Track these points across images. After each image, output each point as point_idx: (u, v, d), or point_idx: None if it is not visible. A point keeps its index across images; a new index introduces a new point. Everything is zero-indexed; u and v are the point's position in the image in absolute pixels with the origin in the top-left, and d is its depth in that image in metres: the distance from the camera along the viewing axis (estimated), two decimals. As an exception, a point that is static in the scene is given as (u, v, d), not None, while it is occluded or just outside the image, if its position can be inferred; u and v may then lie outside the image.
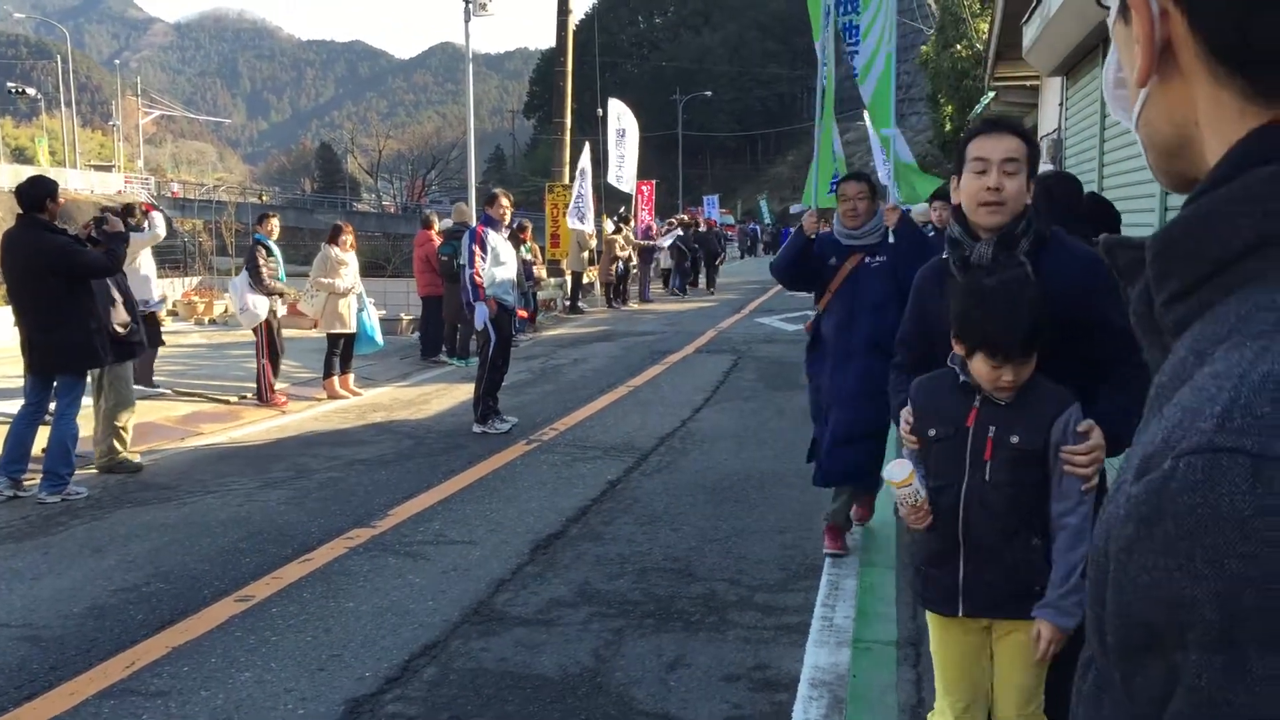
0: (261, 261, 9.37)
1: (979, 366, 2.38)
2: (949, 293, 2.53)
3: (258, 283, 9.32)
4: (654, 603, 4.57)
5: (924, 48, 25.35)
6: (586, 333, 15.81)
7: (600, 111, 32.02)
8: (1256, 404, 0.55)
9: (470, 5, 18.68)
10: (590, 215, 18.62)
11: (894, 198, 5.40)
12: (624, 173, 20.04)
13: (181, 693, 3.69)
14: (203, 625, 4.32)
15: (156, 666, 3.91)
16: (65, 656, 4.01)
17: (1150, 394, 0.68)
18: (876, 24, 5.45)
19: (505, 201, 8.53)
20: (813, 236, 5.06)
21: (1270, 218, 0.62)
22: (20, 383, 7.13)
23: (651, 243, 22.12)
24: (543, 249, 18.49)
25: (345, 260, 9.98)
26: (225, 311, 16.89)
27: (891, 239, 4.95)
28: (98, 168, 67.13)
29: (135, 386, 7.45)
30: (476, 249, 8.10)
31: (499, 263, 8.23)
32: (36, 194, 6.36)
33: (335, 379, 9.97)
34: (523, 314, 9.75)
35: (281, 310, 9.71)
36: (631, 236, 20.88)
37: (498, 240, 8.29)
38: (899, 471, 2.45)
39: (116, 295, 6.81)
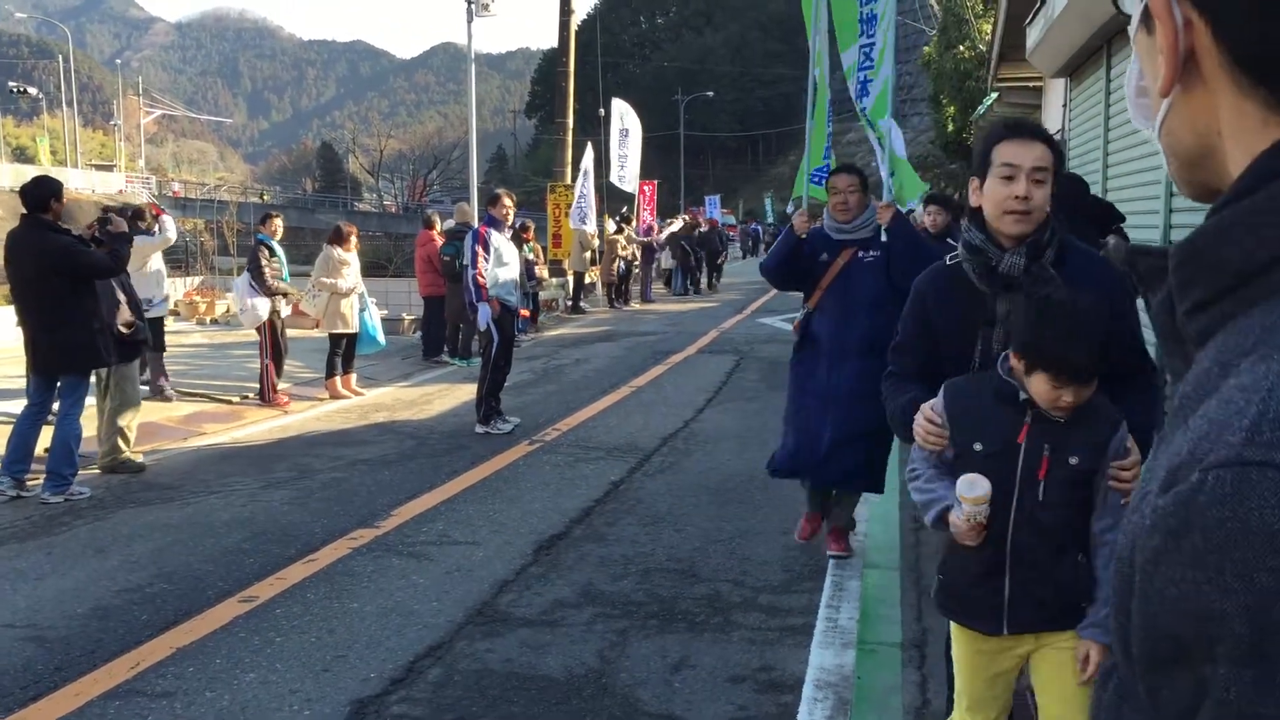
0: (264, 262, 9.37)
1: (1039, 386, 2.28)
2: (1013, 307, 2.37)
3: (260, 283, 9.32)
4: (658, 604, 4.57)
5: (926, 49, 25.36)
6: (588, 333, 15.81)
7: (602, 111, 31.98)
8: None
9: (473, 5, 18.67)
10: (592, 215, 18.62)
11: (887, 194, 5.16)
12: (626, 172, 20.05)
13: (187, 693, 3.69)
14: (207, 626, 4.32)
15: (161, 667, 3.91)
16: (70, 657, 4.01)
17: (1173, 404, 0.68)
18: (887, 13, 5.33)
19: (508, 202, 8.53)
20: (803, 236, 4.87)
21: None
22: (23, 383, 7.14)
23: (651, 239, 22.12)
24: (545, 249, 18.48)
25: (347, 260, 9.98)
26: (227, 311, 16.89)
27: (884, 237, 4.78)
28: (99, 167, 67.17)
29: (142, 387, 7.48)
30: (480, 249, 8.10)
31: (502, 263, 8.23)
32: (41, 194, 6.36)
33: (337, 379, 9.98)
34: (524, 314, 9.74)
35: (286, 310, 9.71)
36: (634, 235, 20.89)
37: (501, 241, 8.29)
38: (977, 488, 2.30)
39: (121, 296, 6.82)
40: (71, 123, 70.05)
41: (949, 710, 3.09)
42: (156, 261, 9.46)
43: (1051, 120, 12.25)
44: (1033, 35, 9.41)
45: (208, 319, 16.66)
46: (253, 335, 9.92)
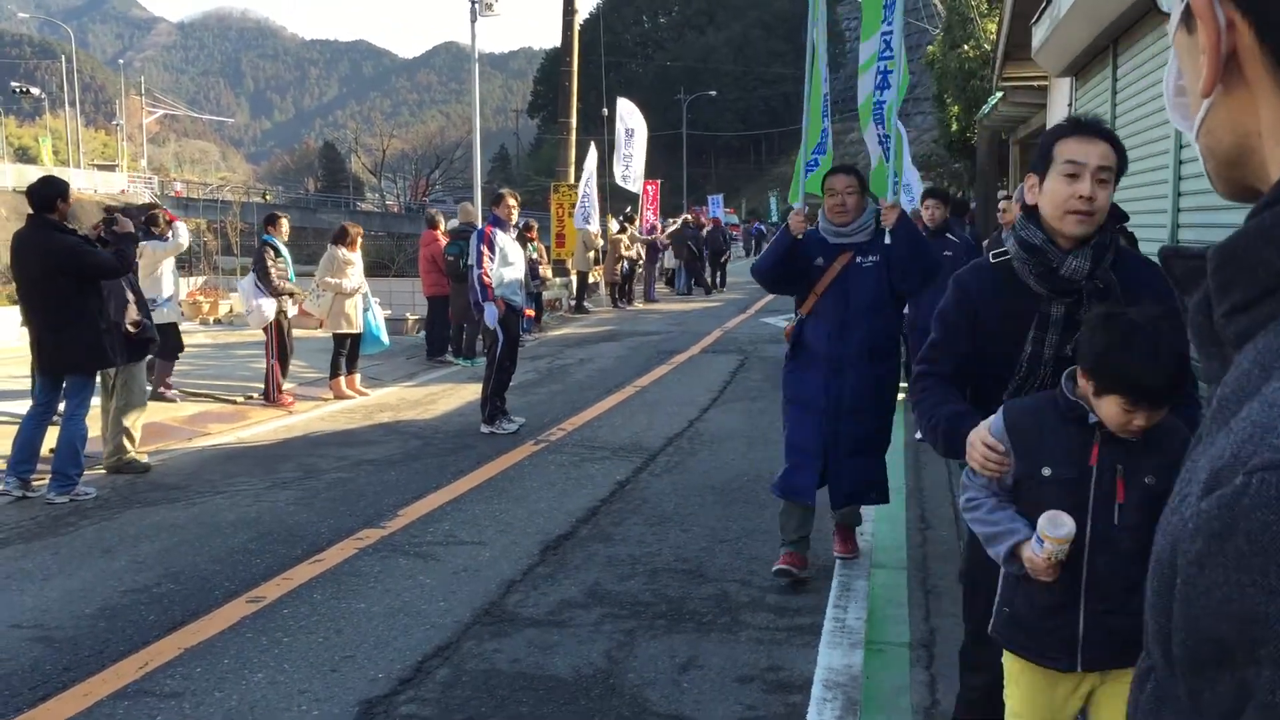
0: (270, 262, 9.38)
1: (1110, 409, 2.14)
2: (1089, 325, 2.20)
3: (266, 284, 9.33)
4: (665, 604, 4.57)
5: (930, 48, 25.32)
6: (592, 332, 15.81)
7: (605, 111, 31.95)
8: None
9: (476, 5, 18.68)
10: (596, 215, 18.63)
11: (891, 195, 4.94)
12: (631, 172, 20.04)
13: (195, 694, 3.69)
14: (214, 626, 4.32)
15: (169, 668, 3.91)
16: (78, 657, 4.02)
17: (1212, 406, 0.68)
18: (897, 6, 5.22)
19: (512, 201, 8.54)
20: (799, 236, 4.66)
21: None
22: (28, 383, 7.14)
23: (654, 238, 22.13)
24: (548, 249, 18.49)
25: (352, 260, 9.99)
26: (230, 311, 16.90)
27: (888, 239, 4.57)
28: (101, 167, 67.26)
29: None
30: (485, 249, 8.11)
31: (507, 263, 8.24)
32: (47, 194, 6.36)
33: (342, 379, 9.98)
34: (529, 314, 9.74)
35: (292, 311, 9.72)
36: (637, 235, 20.89)
37: (505, 240, 8.29)
38: (1062, 527, 2.14)
39: (130, 295, 6.83)
40: (74, 123, 70.16)
41: (957, 712, 3.09)
42: (168, 266, 9.44)
43: (1056, 119, 12.24)
44: (1038, 34, 9.40)
45: (211, 319, 16.67)
46: (256, 335, 9.93)
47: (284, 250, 9.69)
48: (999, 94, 14.54)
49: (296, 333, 10.19)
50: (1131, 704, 0.72)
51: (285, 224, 10.02)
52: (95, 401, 6.80)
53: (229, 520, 5.88)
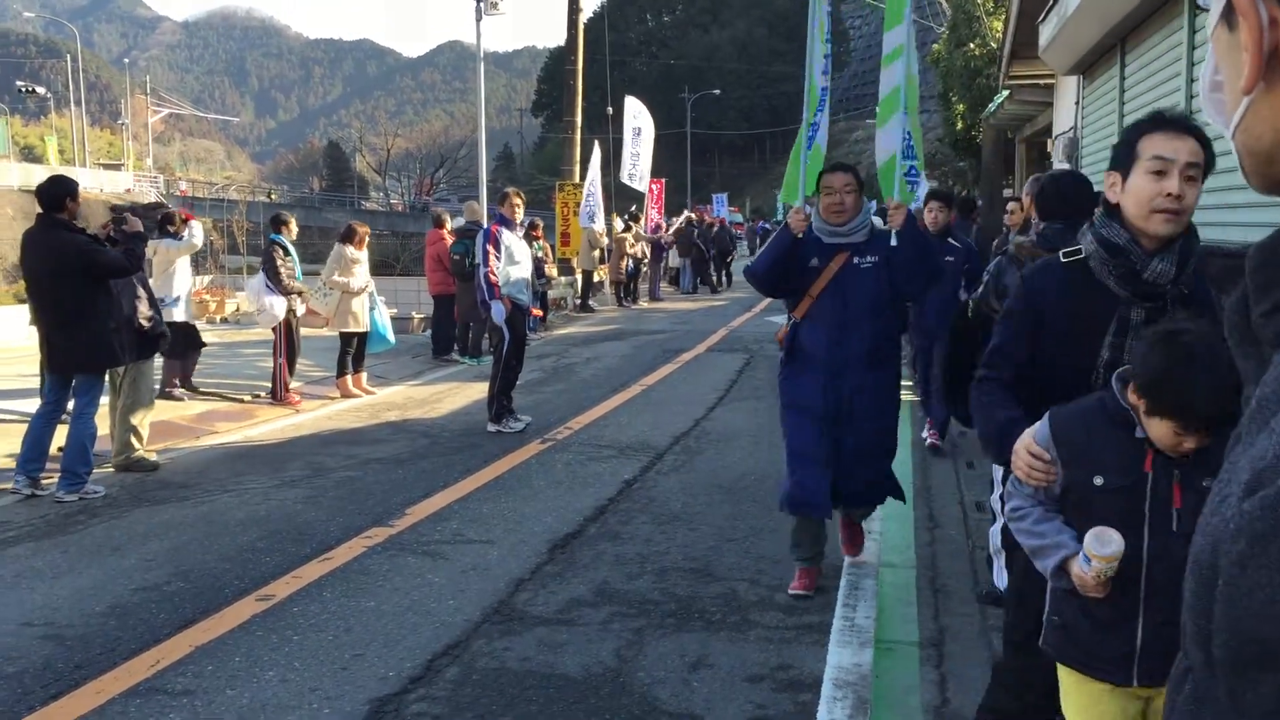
0: (279, 261, 9.39)
1: (1160, 429, 2.04)
2: (1147, 341, 2.07)
3: (276, 283, 9.34)
4: (674, 602, 4.57)
5: (935, 46, 25.29)
6: (598, 331, 15.81)
7: (610, 110, 31.95)
8: None
9: (482, 4, 18.69)
10: (600, 214, 18.64)
11: (896, 194, 4.69)
12: (638, 170, 20.03)
13: (207, 692, 3.70)
14: (225, 624, 4.33)
15: (181, 666, 3.92)
16: (90, 655, 4.03)
17: (1251, 406, 0.68)
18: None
19: (517, 200, 8.54)
20: (800, 235, 4.45)
21: None
22: (38, 382, 7.16)
23: (659, 237, 22.13)
24: (553, 247, 18.50)
25: (358, 259, 10.01)
26: (237, 310, 16.93)
27: (894, 241, 4.40)
28: (106, 166, 67.28)
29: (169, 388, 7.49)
30: (491, 248, 8.11)
31: (513, 261, 8.24)
32: (56, 193, 6.38)
33: (348, 378, 9.99)
34: (537, 312, 9.74)
35: (301, 309, 9.74)
36: (642, 233, 20.89)
37: (512, 239, 8.30)
38: (1110, 544, 2.02)
39: (141, 291, 6.85)
40: (79, 122, 70.15)
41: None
42: (183, 265, 9.42)
43: (1063, 118, 12.23)
44: (1045, 33, 9.38)
45: (218, 318, 16.70)
46: (262, 334, 9.95)
47: (292, 250, 9.72)
48: (1005, 92, 14.53)
49: (303, 331, 10.20)
50: (1168, 707, 0.72)
51: (294, 224, 10.04)
52: (104, 400, 6.81)
53: (238, 519, 5.89)
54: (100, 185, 52.65)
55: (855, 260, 4.43)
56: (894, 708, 3.63)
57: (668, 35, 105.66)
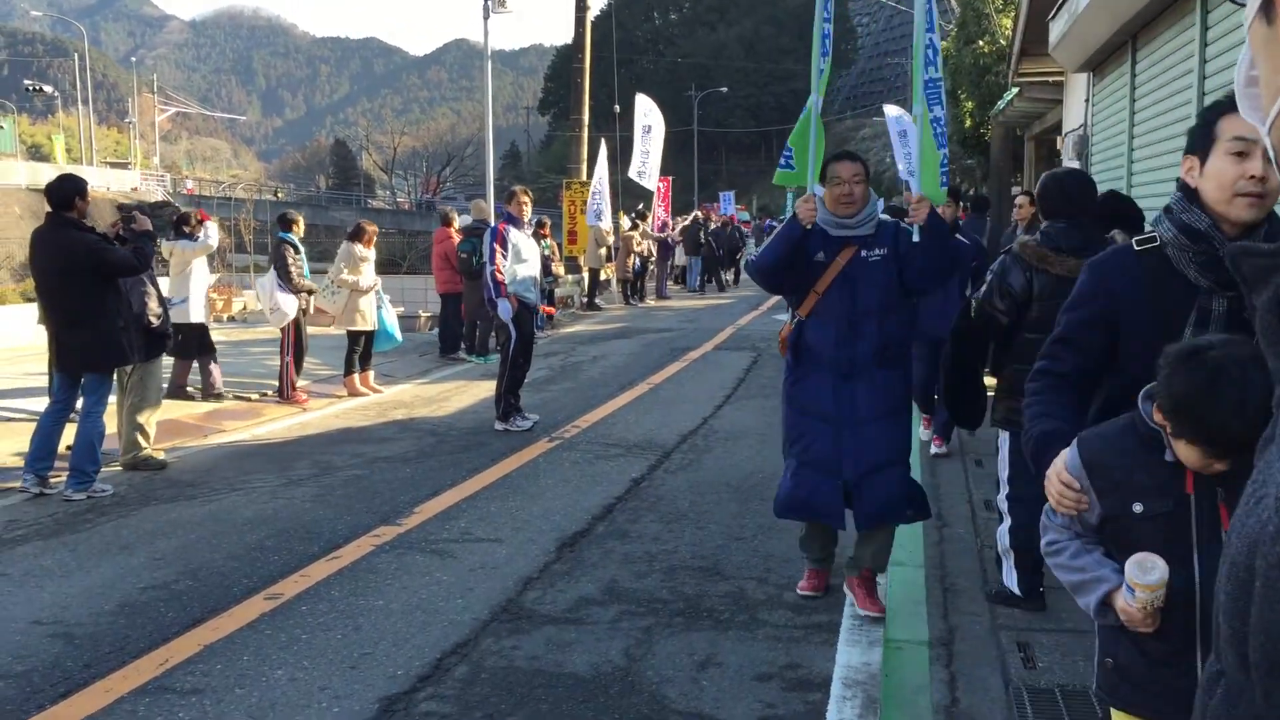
0: (290, 260, 9.41)
1: (1188, 453, 1.90)
2: (1167, 358, 1.92)
3: (287, 282, 9.35)
4: (683, 601, 4.57)
5: (944, 43, 25.24)
6: (605, 329, 15.81)
7: (617, 108, 31.88)
8: None
9: (489, 2, 18.67)
10: (607, 212, 18.63)
11: (916, 187, 4.44)
12: (647, 168, 19.99)
13: (216, 690, 3.70)
14: (233, 623, 4.33)
15: (189, 664, 3.92)
16: (99, 654, 4.03)
17: (1283, 406, 0.67)
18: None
19: (525, 198, 8.53)
20: (809, 227, 4.19)
21: None
22: (46, 380, 7.17)
23: (666, 235, 22.12)
24: (560, 246, 18.50)
25: (367, 256, 10.02)
26: (244, 309, 16.95)
27: (916, 237, 4.15)
28: (114, 165, 67.45)
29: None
30: (497, 246, 8.11)
31: (520, 260, 8.23)
32: (66, 192, 6.38)
33: (356, 376, 10.00)
34: (550, 310, 9.74)
35: (311, 308, 9.75)
36: (649, 231, 20.88)
37: (519, 237, 8.29)
38: (1153, 572, 1.87)
39: (151, 289, 6.86)
40: (86, 120, 70.32)
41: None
42: (199, 265, 9.40)
43: (1073, 115, 12.19)
44: (1056, 30, 9.35)
45: (225, 316, 16.72)
46: (270, 332, 9.96)
47: (301, 248, 9.74)
48: (1014, 90, 14.49)
49: (310, 330, 10.21)
50: (1199, 710, 0.71)
51: (302, 223, 10.05)
52: (113, 399, 6.82)
53: (245, 517, 5.89)
54: (107, 184, 52.76)
55: (863, 253, 4.21)
56: (903, 707, 3.61)
57: (675, 33, 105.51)
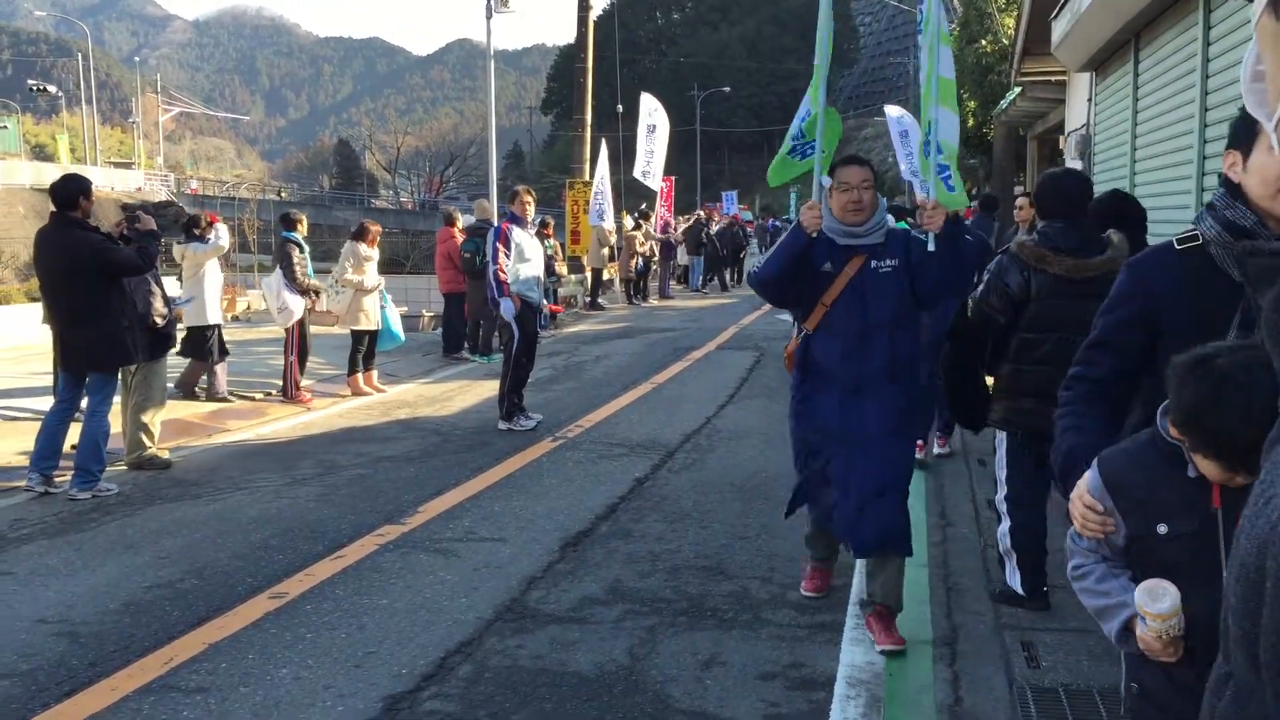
0: (295, 259, 9.42)
1: (1209, 467, 1.84)
2: (1173, 369, 1.85)
3: (293, 281, 9.36)
4: (686, 600, 4.57)
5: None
6: (607, 329, 15.81)
7: (619, 108, 31.87)
8: None
9: (491, 1, 18.69)
10: (610, 212, 18.63)
11: (930, 192, 4.19)
12: (652, 168, 19.98)
13: (221, 689, 3.71)
14: (238, 622, 4.33)
15: (195, 663, 3.93)
16: (104, 652, 4.04)
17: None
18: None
19: (528, 198, 8.54)
20: (814, 235, 3.97)
21: None
22: (51, 380, 7.19)
23: (669, 235, 22.13)
24: (563, 245, 18.51)
25: (370, 256, 10.03)
26: (248, 308, 16.96)
27: (931, 246, 3.91)
28: (117, 165, 67.58)
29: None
30: (500, 246, 8.12)
31: (524, 259, 8.24)
32: (70, 191, 6.40)
33: (359, 376, 10.01)
34: (557, 309, 9.74)
35: (322, 306, 9.77)
36: (651, 231, 20.89)
37: (523, 237, 8.29)
38: (1162, 599, 1.81)
39: (155, 289, 6.87)
40: (90, 120, 70.47)
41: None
42: (211, 267, 9.38)
43: (1075, 114, 12.18)
44: (1058, 29, 9.34)
45: (228, 316, 16.72)
46: (273, 332, 9.97)
47: (305, 247, 9.76)
48: (1017, 89, 14.48)
49: (313, 329, 10.23)
50: (1207, 711, 0.71)
51: (305, 222, 10.07)
52: (117, 398, 6.83)
53: (250, 516, 5.90)
54: (111, 184, 52.84)
55: (873, 264, 4.00)
56: (907, 706, 3.62)
57: (677, 33, 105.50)
